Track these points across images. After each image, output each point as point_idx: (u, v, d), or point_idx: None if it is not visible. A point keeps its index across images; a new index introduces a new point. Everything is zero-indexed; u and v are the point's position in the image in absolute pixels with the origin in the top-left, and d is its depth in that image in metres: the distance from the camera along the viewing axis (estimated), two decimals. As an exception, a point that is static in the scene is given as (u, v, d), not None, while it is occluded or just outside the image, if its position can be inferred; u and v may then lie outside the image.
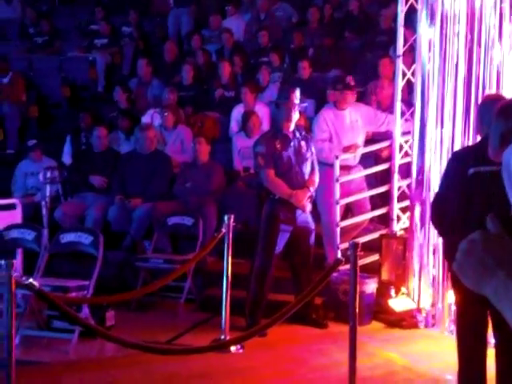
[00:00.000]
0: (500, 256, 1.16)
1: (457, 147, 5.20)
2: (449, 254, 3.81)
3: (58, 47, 10.59)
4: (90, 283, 5.14)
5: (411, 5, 5.91)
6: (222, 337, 4.98)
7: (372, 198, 6.35)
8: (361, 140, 6.23)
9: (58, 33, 10.89)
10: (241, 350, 4.92)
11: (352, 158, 6.18)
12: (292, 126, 5.46)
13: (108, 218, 6.77)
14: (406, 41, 6.00)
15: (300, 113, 5.71)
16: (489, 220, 1.20)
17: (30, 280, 3.67)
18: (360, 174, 6.20)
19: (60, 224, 6.69)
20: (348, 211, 6.31)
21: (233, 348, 4.89)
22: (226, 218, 5.12)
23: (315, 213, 6.02)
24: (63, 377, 4.59)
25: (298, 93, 5.45)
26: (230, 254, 5.08)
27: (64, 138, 8.20)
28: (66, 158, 8.03)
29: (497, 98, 4.00)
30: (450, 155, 5.17)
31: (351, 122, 6.12)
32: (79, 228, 6.09)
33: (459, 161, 3.66)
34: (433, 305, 5.55)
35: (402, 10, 5.94)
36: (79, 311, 5.01)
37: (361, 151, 6.23)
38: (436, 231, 4.52)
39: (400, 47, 5.99)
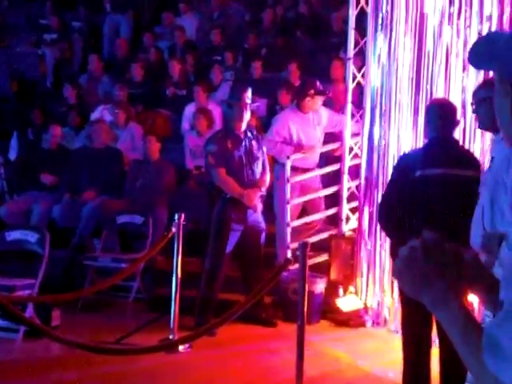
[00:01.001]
0: (440, 267, 1.17)
1: (404, 149, 5.30)
2: (395, 254, 3.87)
3: (7, 42, 10.36)
4: (36, 282, 5.05)
5: (362, 8, 5.98)
6: (171, 336, 4.95)
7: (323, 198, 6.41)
8: (319, 142, 6.28)
9: (6, 27, 10.66)
10: (189, 350, 4.91)
11: (312, 160, 6.21)
12: (244, 126, 5.47)
13: (53, 216, 6.66)
14: (356, 43, 6.07)
15: (252, 112, 5.73)
16: (425, 233, 1.21)
17: (-27, 279, 3.58)
18: (309, 174, 6.24)
19: (5, 222, 6.55)
20: (304, 212, 6.34)
21: (181, 347, 4.87)
22: (176, 216, 5.10)
23: (271, 212, 6.05)
24: (7, 376, 4.49)
25: (249, 93, 5.46)
26: (179, 253, 5.05)
27: (10, 134, 8.03)
28: (12, 154, 7.86)
29: (443, 102, 4.09)
30: (397, 157, 5.26)
31: (314, 125, 6.16)
32: (25, 226, 5.97)
33: (406, 163, 3.72)
34: (379, 304, 5.63)
35: (352, 13, 6.02)
36: (24, 310, 4.91)
37: (317, 153, 6.26)
38: (383, 232, 4.59)
39: (350, 50, 6.07)
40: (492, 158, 3.02)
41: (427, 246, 1.18)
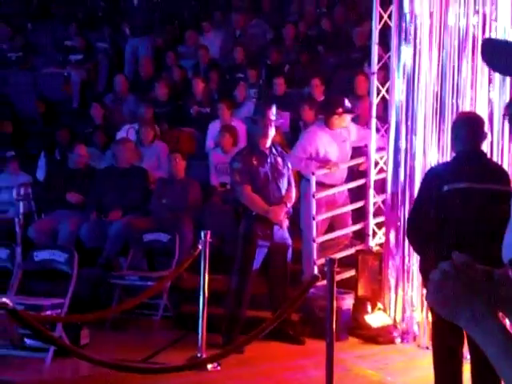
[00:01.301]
0: (472, 287, 1.17)
1: (430, 163, 5.26)
2: (424, 269, 3.83)
3: (33, 63, 10.52)
4: (65, 301, 5.08)
5: (385, 22, 5.98)
6: (199, 354, 4.94)
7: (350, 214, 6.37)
8: (347, 157, 6.26)
9: (32, 48, 10.83)
10: (218, 368, 4.88)
11: (339, 176, 6.19)
12: (268, 143, 5.47)
13: (81, 235, 6.71)
14: (380, 58, 6.06)
15: (276, 129, 5.73)
16: (455, 255, 1.20)
17: (4, 299, 3.61)
18: (334, 190, 6.22)
19: (34, 241, 6.61)
20: (331, 228, 6.31)
21: (209, 366, 4.85)
22: (202, 234, 5.10)
23: (297, 228, 6.03)
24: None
25: (274, 109, 5.47)
26: (206, 270, 5.05)
27: (38, 154, 8.13)
28: (40, 174, 7.96)
29: (471, 116, 4.06)
30: (423, 171, 5.23)
31: (341, 141, 6.15)
32: (53, 245, 6.03)
33: (434, 177, 3.69)
34: (408, 320, 5.57)
35: (376, 27, 6.01)
36: (53, 330, 4.94)
37: (344, 168, 6.23)
38: (412, 247, 4.55)
39: (374, 64, 6.06)
40: None
41: (459, 269, 1.18)
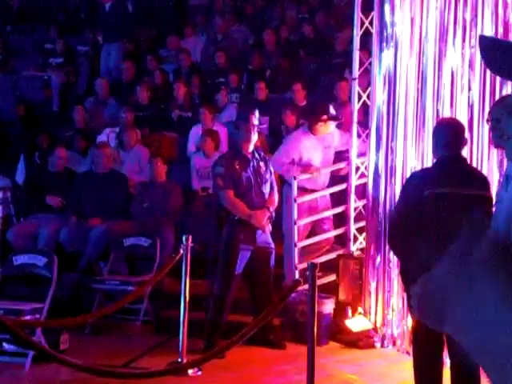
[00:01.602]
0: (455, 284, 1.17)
1: (411, 168, 5.29)
2: (404, 274, 3.86)
3: (13, 66, 10.44)
4: (44, 306, 5.03)
5: (366, 28, 6.02)
6: (180, 359, 4.92)
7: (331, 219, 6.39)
8: (330, 163, 6.28)
9: (12, 51, 10.74)
10: (199, 373, 4.87)
11: (321, 181, 6.21)
12: (251, 147, 5.48)
13: (61, 239, 6.66)
14: (361, 63, 6.09)
15: (258, 133, 5.74)
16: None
17: (-17, 303, 3.57)
18: (316, 194, 6.24)
19: (12, 245, 6.55)
20: (313, 233, 6.32)
21: (190, 371, 4.83)
22: (183, 238, 5.09)
23: (279, 233, 6.04)
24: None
25: (257, 114, 5.48)
26: (187, 275, 5.03)
27: (17, 157, 8.06)
28: (19, 178, 7.89)
29: (451, 121, 4.10)
30: (404, 177, 5.26)
31: (325, 147, 6.18)
32: (33, 250, 5.97)
33: (415, 182, 3.72)
34: (388, 324, 5.60)
35: (357, 33, 6.05)
36: (33, 334, 4.89)
37: (327, 174, 6.25)
38: (392, 251, 4.57)
39: (356, 70, 6.09)
40: (507, 176, 3.01)
41: (438, 281, 1.19)
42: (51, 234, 6.67)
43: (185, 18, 10.68)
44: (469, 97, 5.06)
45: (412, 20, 5.47)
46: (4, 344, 5.08)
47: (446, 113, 5.13)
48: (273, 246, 5.57)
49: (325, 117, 6.08)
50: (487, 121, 3.26)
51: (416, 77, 5.41)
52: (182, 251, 5.05)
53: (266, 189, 5.51)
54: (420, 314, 1.20)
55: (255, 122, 5.43)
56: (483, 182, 3.74)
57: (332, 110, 6.16)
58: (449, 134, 3.68)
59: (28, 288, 5.69)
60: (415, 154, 5.37)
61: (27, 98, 9.72)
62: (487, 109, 4.94)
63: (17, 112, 9.44)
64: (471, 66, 4.97)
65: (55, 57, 10.42)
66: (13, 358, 5.01)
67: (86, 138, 7.95)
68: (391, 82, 5.62)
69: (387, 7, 5.61)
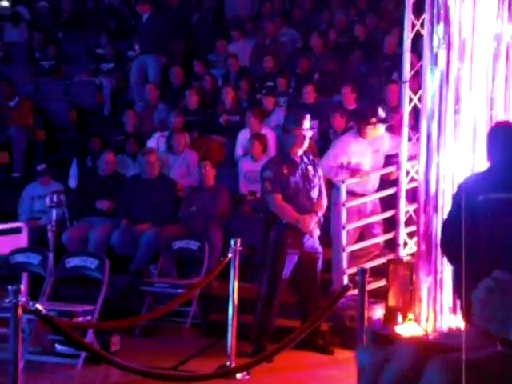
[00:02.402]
0: None
1: (463, 173, 5.19)
2: (458, 279, 3.78)
3: (65, 71, 10.66)
4: (96, 308, 5.12)
5: (417, 30, 5.93)
6: (228, 363, 4.94)
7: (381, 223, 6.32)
8: (380, 167, 6.22)
9: (64, 57, 10.97)
10: (247, 377, 4.87)
11: (370, 185, 6.15)
12: (300, 151, 5.46)
13: (111, 242, 6.76)
14: (412, 66, 6.01)
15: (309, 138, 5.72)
16: (496, 273, 1.18)
17: (37, 305, 3.64)
18: (364, 199, 6.17)
19: (66, 248, 6.68)
20: (362, 238, 6.27)
21: (239, 375, 4.84)
22: (232, 242, 5.10)
23: (329, 237, 6.01)
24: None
25: (309, 119, 5.46)
26: (236, 278, 5.05)
27: (70, 161, 8.23)
28: (72, 182, 8.05)
29: (506, 125, 4.00)
30: (454, 181, 5.17)
31: (374, 151, 6.13)
32: (85, 252, 6.09)
33: (469, 187, 3.64)
34: (440, 331, 5.49)
35: (408, 35, 5.97)
36: (84, 336, 4.97)
37: (376, 178, 6.19)
38: (445, 257, 4.49)
39: (406, 72, 6.01)
40: None
41: (504, 286, 1.16)
42: (102, 236, 6.78)
43: (224, 30, 10.64)
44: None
45: (460, 20, 5.37)
46: (56, 345, 5.18)
47: (500, 116, 5.02)
48: (320, 250, 5.54)
49: (374, 120, 6.03)
50: None
51: (469, 79, 5.31)
52: (230, 255, 5.07)
53: (315, 193, 5.48)
54: (483, 320, 1.17)
55: (307, 126, 5.42)
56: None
57: (381, 113, 6.09)
58: (503, 138, 3.60)
59: (80, 290, 5.81)
60: (472, 157, 5.26)
61: (79, 103, 9.91)
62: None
63: (69, 117, 9.64)
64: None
65: (106, 62, 10.59)
66: (65, 359, 5.11)
67: (137, 142, 8.06)
68: (443, 85, 5.52)
69: (439, 10, 5.52)
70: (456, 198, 3.71)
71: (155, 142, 8.01)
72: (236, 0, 11.42)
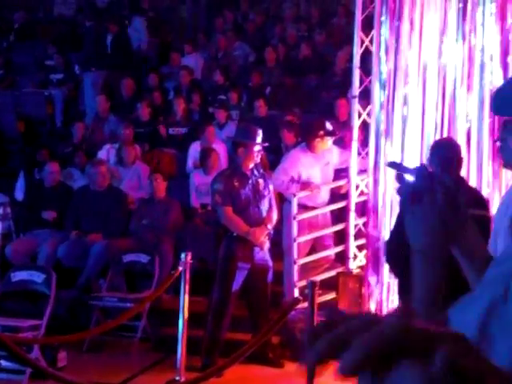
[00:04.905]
0: None
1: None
2: (402, 293, 3.83)
3: (13, 82, 10.47)
4: (42, 323, 5.01)
5: (366, 47, 6.04)
6: (178, 378, 4.89)
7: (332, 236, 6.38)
8: (330, 180, 6.29)
9: (13, 68, 10.79)
10: (196, 391, 4.84)
11: (321, 198, 6.21)
12: (251, 165, 5.49)
13: (59, 255, 6.63)
14: (361, 82, 6.12)
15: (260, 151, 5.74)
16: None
17: (-20, 320, 3.55)
18: (315, 212, 6.23)
19: (11, 262, 6.53)
20: (313, 250, 6.30)
21: (188, 389, 4.80)
22: (183, 255, 5.07)
23: (280, 250, 6.03)
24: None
25: (260, 133, 5.49)
26: (186, 292, 5.02)
27: (17, 174, 8.07)
28: (19, 194, 7.89)
29: (447, 141, 4.11)
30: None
31: (323, 164, 6.19)
32: (31, 266, 5.96)
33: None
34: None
35: (357, 51, 6.08)
36: (30, 352, 4.86)
37: (327, 191, 6.25)
38: (391, 271, 4.56)
39: (356, 88, 6.11)
40: None
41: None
42: (51, 250, 6.65)
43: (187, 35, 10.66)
44: (467, 114, 5.09)
45: (410, 37, 5.50)
46: (1, 361, 5.04)
47: (446, 132, 5.15)
48: (270, 263, 5.56)
49: (321, 132, 6.10)
50: (494, 141, 3.27)
51: (416, 92, 5.44)
52: (180, 268, 5.03)
53: (265, 206, 5.50)
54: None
55: (259, 140, 5.45)
56: (482, 201, 3.74)
57: (328, 126, 6.17)
58: (444, 155, 3.69)
59: (26, 305, 5.67)
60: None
61: (28, 114, 9.74)
62: (484, 125, 4.97)
63: (17, 128, 9.45)
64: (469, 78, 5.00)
65: (55, 73, 10.45)
66: (10, 375, 4.98)
67: (87, 154, 7.96)
68: (389, 100, 5.64)
69: (386, 26, 5.65)
70: (401, 212, 3.76)
71: (105, 153, 7.92)
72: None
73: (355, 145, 6.15)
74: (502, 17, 5.16)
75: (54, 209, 6.94)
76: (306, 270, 6.05)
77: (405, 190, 1.20)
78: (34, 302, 5.48)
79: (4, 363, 5.01)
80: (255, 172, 5.52)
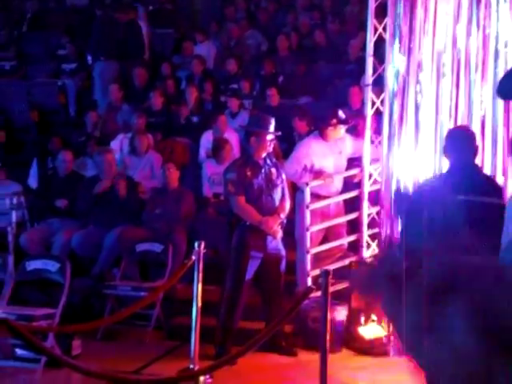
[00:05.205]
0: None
1: (422, 176, 5.27)
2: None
3: (26, 72, 10.50)
4: (57, 312, 5.05)
5: (380, 34, 6.00)
6: (191, 366, 4.91)
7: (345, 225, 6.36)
8: (342, 169, 6.27)
9: (26, 58, 10.81)
10: (210, 380, 4.85)
11: (334, 187, 6.19)
12: (264, 154, 5.47)
13: (73, 244, 6.66)
14: (375, 70, 6.08)
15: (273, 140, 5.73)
16: None
17: (-5, 309, 3.58)
18: (328, 201, 6.21)
19: (25, 250, 6.57)
20: (326, 239, 6.29)
21: (202, 378, 4.81)
22: (196, 244, 5.08)
23: (292, 239, 6.02)
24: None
25: (273, 122, 5.47)
26: (199, 281, 5.03)
27: (31, 163, 8.11)
28: (32, 182, 7.93)
29: (462, 129, 4.08)
30: (415, 183, 5.24)
31: (337, 153, 6.17)
32: (45, 255, 6.00)
33: (427, 190, 3.68)
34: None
35: (370, 39, 6.03)
36: (45, 340, 4.90)
37: (340, 180, 6.23)
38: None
39: (369, 76, 6.07)
40: None
41: None
42: (66, 239, 6.68)
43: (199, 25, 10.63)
44: (481, 101, 5.05)
45: (424, 25, 5.46)
46: (16, 349, 5.09)
47: (460, 117, 5.11)
48: (283, 252, 5.56)
49: (334, 121, 6.07)
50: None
51: (430, 81, 5.40)
52: (194, 257, 5.04)
53: (278, 195, 5.50)
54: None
55: (272, 130, 5.43)
56: (496, 189, 3.71)
57: (341, 114, 6.14)
58: (460, 142, 3.66)
59: (41, 293, 5.72)
60: (433, 159, 5.33)
61: (41, 104, 9.77)
62: (499, 113, 4.93)
63: (31, 118, 9.49)
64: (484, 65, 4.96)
65: (68, 63, 10.47)
66: (25, 363, 5.02)
67: (100, 144, 7.97)
68: (403, 88, 5.60)
69: (400, 13, 5.60)
70: (414, 201, 3.73)
71: (119, 143, 7.94)
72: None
73: (368, 133, 6.12)
74: (517, 3, 5.10)
75: (67, 198, 6.97)
76: (318, 259, 6.04)
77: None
78: (49, 291, 5.53)
79: (19, 352, 5.06)
80: (268, 161, 5.51)
